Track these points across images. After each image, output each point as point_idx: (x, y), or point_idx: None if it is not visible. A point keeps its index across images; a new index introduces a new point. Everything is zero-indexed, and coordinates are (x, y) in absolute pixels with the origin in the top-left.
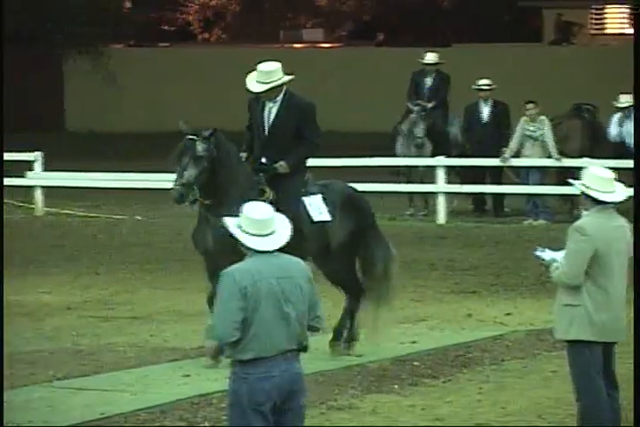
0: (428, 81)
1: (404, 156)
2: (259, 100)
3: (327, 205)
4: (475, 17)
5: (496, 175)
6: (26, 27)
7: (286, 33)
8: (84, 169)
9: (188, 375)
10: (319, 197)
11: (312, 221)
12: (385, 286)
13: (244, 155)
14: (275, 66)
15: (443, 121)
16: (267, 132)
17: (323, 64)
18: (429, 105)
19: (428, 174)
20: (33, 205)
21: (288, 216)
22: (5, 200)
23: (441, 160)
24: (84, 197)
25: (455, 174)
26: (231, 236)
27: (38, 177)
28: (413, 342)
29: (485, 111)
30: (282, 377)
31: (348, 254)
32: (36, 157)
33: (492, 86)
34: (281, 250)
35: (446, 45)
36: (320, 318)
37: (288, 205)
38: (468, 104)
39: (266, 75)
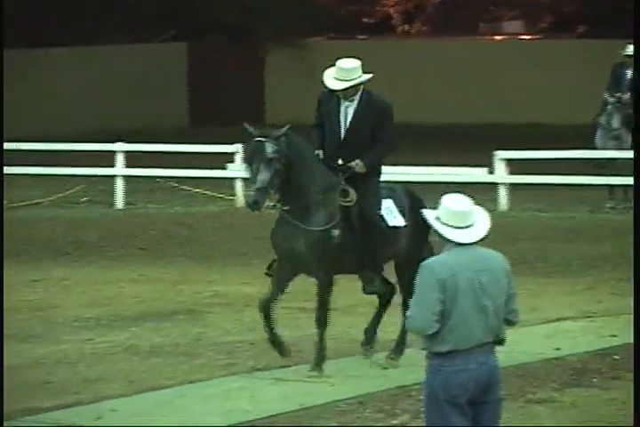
0: (629, 73)
1: (603, 148)
2: (331, 98)
3: (398, 208)
4: None
5: None
6: (229, 20)
7: (486, 25)
8: None
9: (386, 367)
10: (391, 201)
11: (387, 225)
12: None
13: (320, 152)
14: (355, 63)
15: None
16: (343, 133)
17: (522, 56)
18: (625, 96)
19: (628, 166)
20: (233, 197)
21: (369, 218)
22: (207, 192)
23: None
24: None
25: None
26: (429, 227)
27: (239, 169)
28: (613, 336)
29: None
30: (478, 370)
31: (416, 260)
32: (236, 149)
33: None
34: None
35: None
36: (516, 311)
37: (369, 206)
38: None
39: (346, 72)
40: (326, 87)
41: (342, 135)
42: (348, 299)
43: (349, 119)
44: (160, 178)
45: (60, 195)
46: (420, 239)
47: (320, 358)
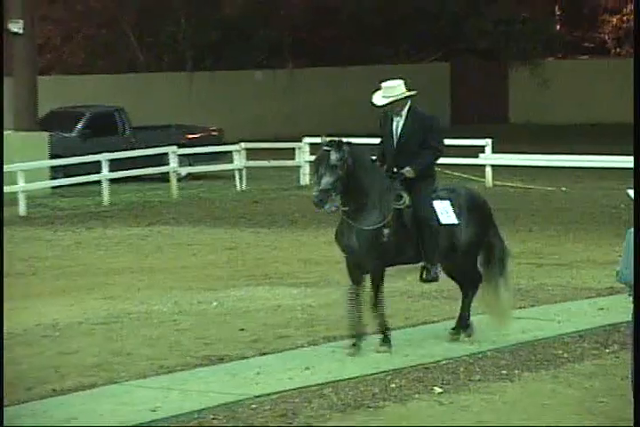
0: None
1: None
2: (387, 117)
3: (454, 208)
4: None
5: None
6: (482, 44)
7: None
8: (524, 151)
9: (601, 309)
10: (447, 201)
11: (440, 224)
12: (503, 277)
13: (377, 164)
14: (396, 83)
15: None
16: (395, 144)
17: None
18: None
19: None
20: (484, 179)
21: (421, 218)
22: (462, 175)
23: None
24: (522, 173)
25: None
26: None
27: (488, 158)
28: None
29: None
30: None
31: (472, 252)
32: (486, 142)
33: None
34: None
35: None
36: None
37: (421, 207)
38: None
39: (388, 90)
40: (372, 104)
41: (395, 146)
42: (571, 257)
43: (399, 132)
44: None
45: None
46: (479, 235)
47: (386, 339)
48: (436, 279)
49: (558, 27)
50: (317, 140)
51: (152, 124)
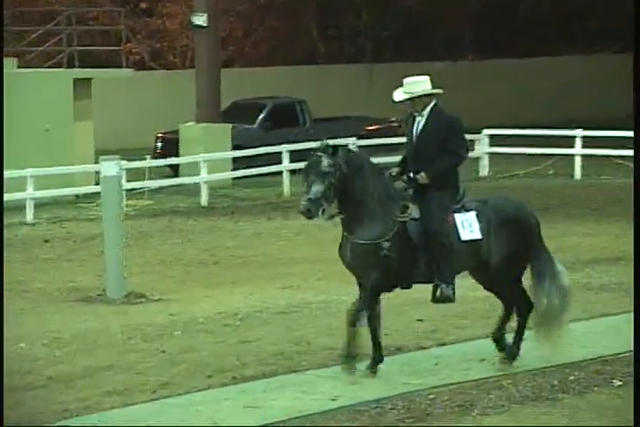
0: None
1: None
2: (410, 117)
3: (481, 221)
4: None
5: None
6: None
7: None
8: None
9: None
10: (472, 214)
11: (460, 239)
12: (554, 300)
13: (395, 170)
14: (419, 78)
15: None
16: (414, 146)
17: None
18: None
19: None
20: None
21: (429, 232)
22: None
23: None
24: None
25: None
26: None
27: None
28: None
29: None
30: None
31: (511, 270)
32: None
33: None
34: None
35: None
36: None
37: (430, 220)
38: None
39: (409, 85)
40: (392, 101)
41: (413, 148)
42: None
43: (418, 133)
44: (609, 156)
45: (532, 169)
46: (516, 251)
47: (373, 362)
48: (450, 300)
49: None
50: (498, 131)
51: (332, 116)
